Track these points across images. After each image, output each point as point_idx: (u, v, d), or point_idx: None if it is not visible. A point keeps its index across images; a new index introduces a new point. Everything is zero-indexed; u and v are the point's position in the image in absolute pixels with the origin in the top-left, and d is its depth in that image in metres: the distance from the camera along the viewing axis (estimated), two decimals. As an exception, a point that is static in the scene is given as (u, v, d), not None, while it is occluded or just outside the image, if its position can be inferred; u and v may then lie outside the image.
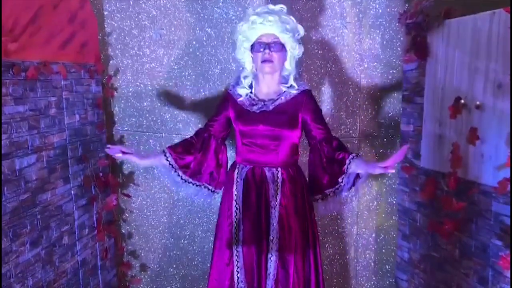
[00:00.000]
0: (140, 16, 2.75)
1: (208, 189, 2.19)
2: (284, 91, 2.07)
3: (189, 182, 2.14)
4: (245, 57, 2.10)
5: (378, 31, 2.64)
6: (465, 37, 2.02)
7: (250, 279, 2.06)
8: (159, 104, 2.83)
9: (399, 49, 2.65)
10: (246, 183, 2.08)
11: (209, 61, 2.70)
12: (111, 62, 2.84)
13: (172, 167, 2.10)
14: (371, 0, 2.61)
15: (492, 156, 1.88)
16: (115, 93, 2.87)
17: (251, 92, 2.11)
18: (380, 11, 2.62)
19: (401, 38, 2.61)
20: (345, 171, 1.97)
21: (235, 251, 2.07)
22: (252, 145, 2.08)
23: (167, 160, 2.09)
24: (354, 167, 1.94)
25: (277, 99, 2.07)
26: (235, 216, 2.08)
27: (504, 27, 1.77)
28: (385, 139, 2.76)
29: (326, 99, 2.70)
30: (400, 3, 2.60)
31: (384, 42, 2.66)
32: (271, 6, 2.03)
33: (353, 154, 1.97)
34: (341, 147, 2.04)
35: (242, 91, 2.11)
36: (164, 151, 2.10)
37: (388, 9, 2.62)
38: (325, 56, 2.66)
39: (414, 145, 2.44)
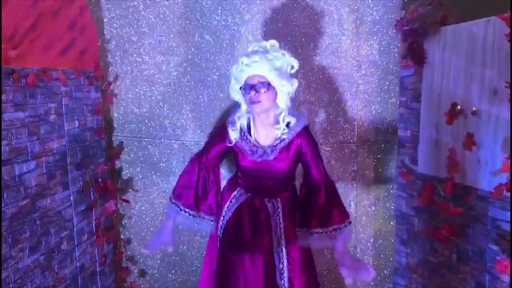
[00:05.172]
0: (139, 23, 2.77)
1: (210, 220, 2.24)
2: (282, 135, 2.04)
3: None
4: (239, 98, 2.10)
5: (375, 38, 2.67)
6: (461, 44, 2.04)
7: None
8: (158, 110, 2.84)
9: (396, 55, 2.67)
10: (240, 209, 2.15)
11: (208, 68, 2.72)
12: (110, 68, 2.86)
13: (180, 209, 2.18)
14: (368, 7, 2.63)
15: (489, 161, 1.89)
16: (114, 99, 2.88)
17: (250, 135, 2.09)
18: (377, 18, 2.65)
19: (398, 45, 2.63)
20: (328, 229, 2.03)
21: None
22: (252, 180, 2.14)
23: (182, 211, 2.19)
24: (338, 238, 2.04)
25: (276, 145, 2.05)
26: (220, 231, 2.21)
27: (499, 34, 1.79)
28: (382, 145, 2.78)
29: (324, 105, 2.72)
30: (397, 10, 2.62)
31: (381, 49, 2.68)
32: (263, 43, 2.00)
33: (344, 225, 2.04)
34: (332, 199, 2.06)
35: (234, 134, 2.10)
36: (177, 205, 2.18)
37: (385, 16, 2.64)
38: (323, 63, 2.68)
39: (411, 150, 2.45)
